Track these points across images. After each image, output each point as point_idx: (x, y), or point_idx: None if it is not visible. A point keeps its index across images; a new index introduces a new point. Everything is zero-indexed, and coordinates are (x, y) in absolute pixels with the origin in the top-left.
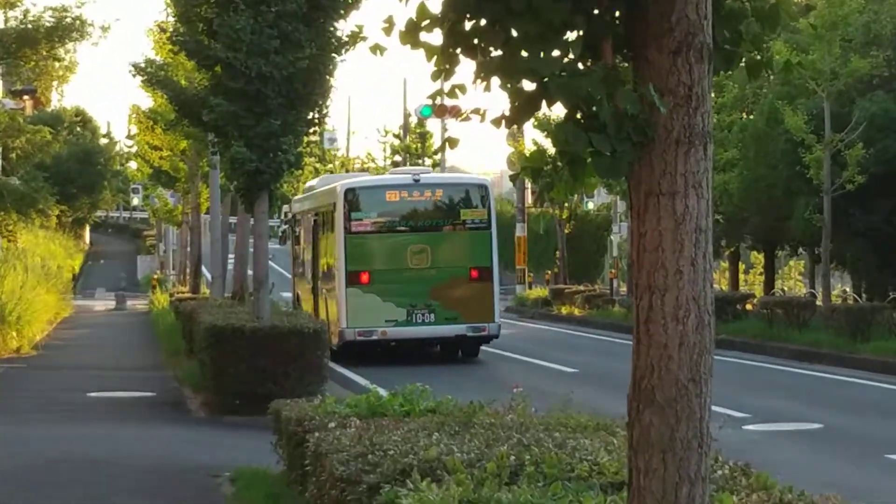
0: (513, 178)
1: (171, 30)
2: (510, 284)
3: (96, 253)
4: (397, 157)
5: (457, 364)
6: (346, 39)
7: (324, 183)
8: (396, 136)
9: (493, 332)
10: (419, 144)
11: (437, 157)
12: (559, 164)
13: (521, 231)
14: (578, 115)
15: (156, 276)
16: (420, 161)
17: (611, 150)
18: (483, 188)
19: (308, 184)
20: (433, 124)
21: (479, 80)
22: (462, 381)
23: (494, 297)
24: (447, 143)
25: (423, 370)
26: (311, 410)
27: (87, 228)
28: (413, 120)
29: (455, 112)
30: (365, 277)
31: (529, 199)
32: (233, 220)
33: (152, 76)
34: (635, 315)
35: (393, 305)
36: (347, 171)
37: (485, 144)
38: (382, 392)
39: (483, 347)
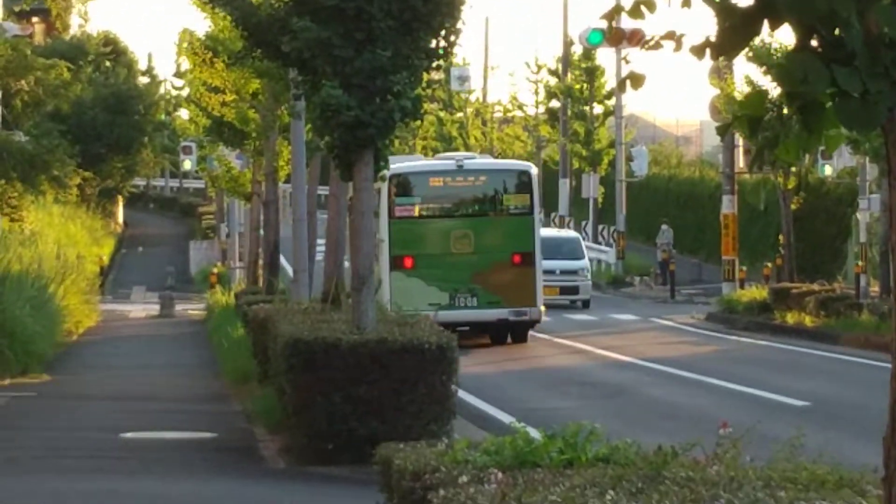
0: (721, 131)
1: None
2: (713, 282)
3: (133, 237)
4: (554, 102)
5: (634, 393)
6: None
7: None
8: (553, 73)
9: (535, 316)
10: (584, 84)
11: (610, 101)
12: (786, 110)
13: (728, 206)
14: (815, 42)
15: (216, 270)
16: (587, 107)
17: (861, 90)
18: (526, 174)
19: None
20: (604, 56)
21: None
22: (643, 415)
23: (536, 282)
24: (628, 82)
25: (577, 396)
26: (435, 459)
27: (121, 203)
28: (576, 50)
29: (635, 39)
30: (409, 262)
31: (741, 161)
32: (323, 191)
33: None
34: (894, 325)
35: (436, 290)
36: (484, 121)
37: (675, 84)
38: (534, 433)
39: (671, 370)
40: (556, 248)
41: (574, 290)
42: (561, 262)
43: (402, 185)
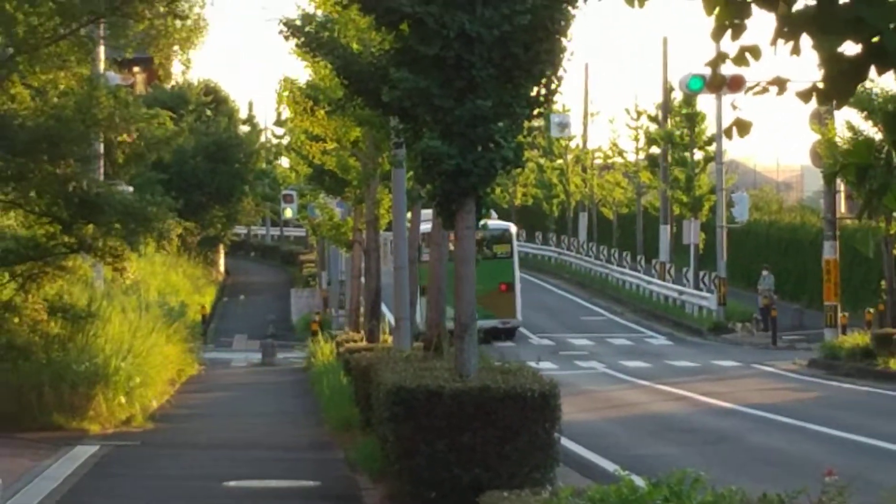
0: (828, 179)
1: None
2: (815, 328)
3: (234, 285)
4: (654, 148)
5: (737, 439)
6: None
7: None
8: (653, 119)
9: (516, 324)
10: (685, 130)
11: (710, 147)
12: (895, 159)
13: (830, 252)
14: None
15: (317, 318)
16: (688, 153)
17: None
18: (508, 231)
19: None
20: (705, 102)
21: (780, 40)
22: (746, 462)
23: (516, 301)
24: (735, 129)
25: (680, 443)
26: None
27: (222, 251)
28: (676, 96)
29: (736, 84)
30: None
31: (843, 206)
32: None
33: (312, 38)
34: None
35: (451, 309)
36: (584, 168)
37: (776, 130)
38: (638, 481)
39: (773, 417)
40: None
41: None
42: None
43: (426, 239)
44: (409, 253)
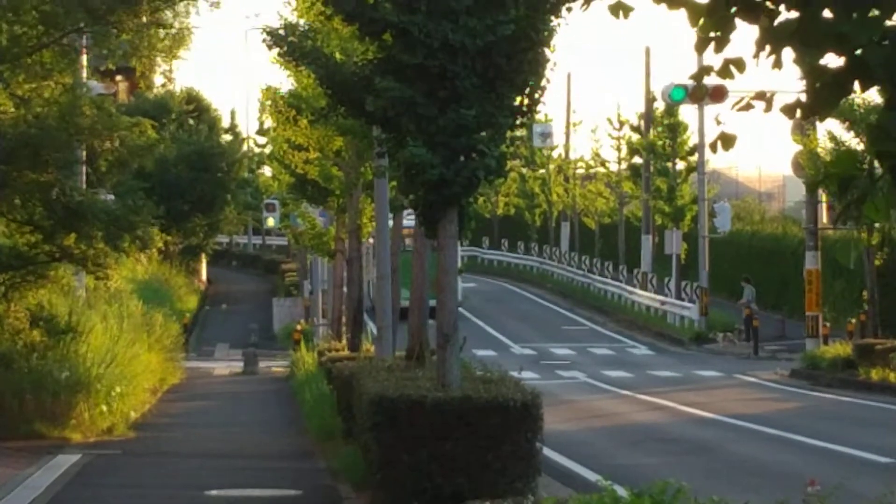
0: (811, 188)
1: None
2: (797, 338)
3: (216, 295)
4: (636, 158)
5: (719, 449)
6: None
7: None
8: (635, 130)
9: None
10: (667, 140)
11: (692, 157)
12: (878, 169)
13: (812, 262)
14: None
15: (299, 328)
16: (670, 164)
17: None
18: None
19: None
20: (687, 112)
21: (763, 53)
22: (728, 472)
23: (457, 284)
24: (720, 143)
25: (662, 453)
26: None
27: (204, 260)
28: (658, 106)
29: (718, 95)
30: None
31: (824, 216)
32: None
33: (294, 47)
34: None
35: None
36: (566, 177)
37: (758, 140)
38: (620, 490)
39: (755, 427)
40: None
41: None
42: None
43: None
44: (392, 262)
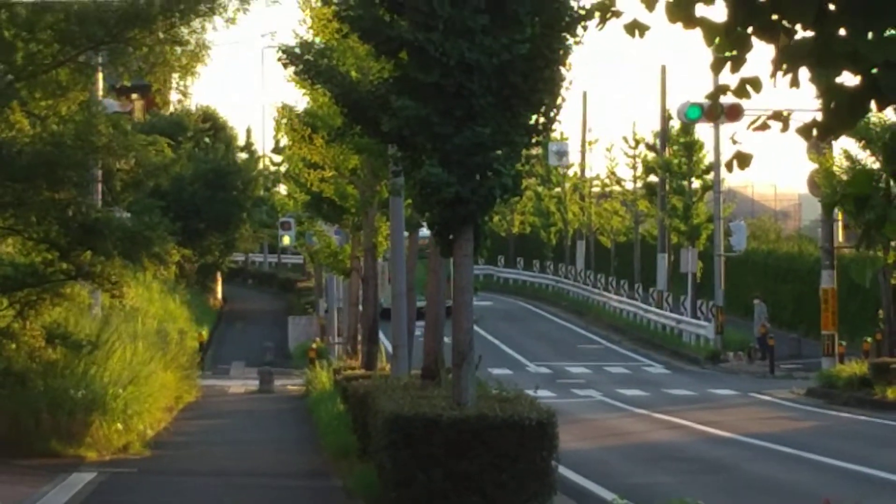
0: (827, 208)
1: (337, 1)
2: (813, 357)
3: (232, 313)
4: (652, 177)
5: (735, 468)
6: (584, 12)
7: None
8: (651, 148)
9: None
10: (683, 159)
11: (708, 176)
12: (894, 189)
13: (828, 281)
14: None
15: (315, 346)
16: (685, 182)
17: None
18: None
19: None
20: (703, 130)
21: (780, 73)
22: (744, 491)
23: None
24: (735, 162)
25: (677, 472)
26: None
27: (220, 279)
28: (674, 124)
29: (734, 114)
30: None
31: (840, 235)
32: None
33: (310, 65)
34: None
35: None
36: (582, 196)
37: (774, 159)
38: None
39: (771, 446)
40: None
41: None
42: None
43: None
44: (408, 280)
